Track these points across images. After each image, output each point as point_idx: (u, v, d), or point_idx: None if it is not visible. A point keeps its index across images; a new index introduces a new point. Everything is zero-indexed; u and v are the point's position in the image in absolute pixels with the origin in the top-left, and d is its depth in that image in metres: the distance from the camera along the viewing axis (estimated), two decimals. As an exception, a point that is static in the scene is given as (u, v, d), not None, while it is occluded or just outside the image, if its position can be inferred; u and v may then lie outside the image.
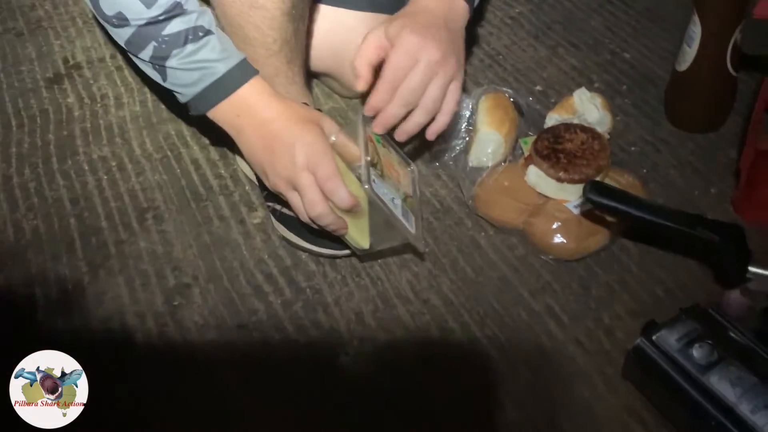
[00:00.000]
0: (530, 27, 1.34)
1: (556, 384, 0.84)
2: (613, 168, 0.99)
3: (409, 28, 0.86)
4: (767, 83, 0.86)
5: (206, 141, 1.16)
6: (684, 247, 0.94)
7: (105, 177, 1.12)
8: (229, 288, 0.96)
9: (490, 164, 1.04)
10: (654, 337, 0.78)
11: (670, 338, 0.78)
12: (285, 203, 0.95)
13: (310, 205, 0.83)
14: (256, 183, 1.05)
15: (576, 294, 0.92)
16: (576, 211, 0.94)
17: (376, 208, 0.86)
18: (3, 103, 1.25)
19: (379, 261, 0.97)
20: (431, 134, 0.91)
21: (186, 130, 1.19)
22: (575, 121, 1.01)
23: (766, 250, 0.87)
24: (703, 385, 0.74)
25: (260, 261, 0.99)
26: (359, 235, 0.89)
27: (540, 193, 0.97)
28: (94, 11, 0.81)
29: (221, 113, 0.84)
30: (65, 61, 1.34)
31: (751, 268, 0.79)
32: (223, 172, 1.11)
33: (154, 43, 0.80)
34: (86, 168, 1.13)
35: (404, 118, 0.89)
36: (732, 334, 0.78)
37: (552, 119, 1.04)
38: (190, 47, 0.79)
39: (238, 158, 1.09)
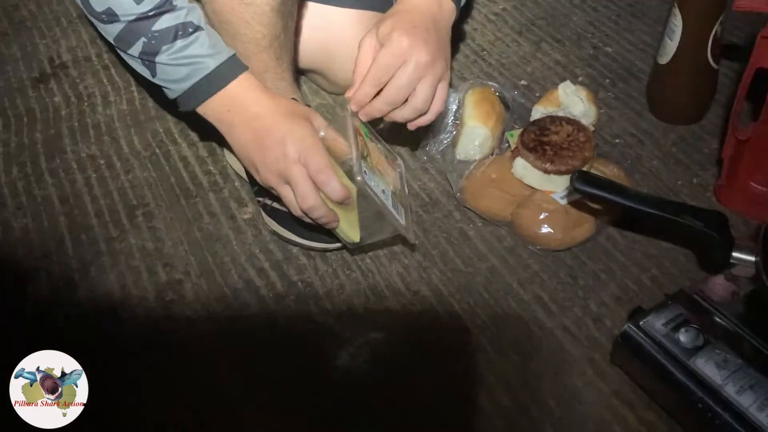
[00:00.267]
0: (514, 23, 1.36)
1: (546, 371, 0.85)
2: (598, 159, 1.01)
3: (398, 30, 0.87)
4: (747, 76, 0.88)
5: (194, 138, 1.17)
6: (668, 236, 0.96)
7: (94, 175, 1.12)
8: (221, 283, 0.97)
9: (477, 157, 1.05)
10: (641, 323, 0.80)
11: (656, 323, 0.79)
12: (276, 198, 0.96)
13: (303, 197, 0.83)
14: (246, 179, 1.05)
15: (564, 283, 0.94)
16: (563, 202, 0.96)
17: (367, 201, 0.87)
18: (-11, 103, 1.25)
19: (370, 254, 0.98)
20: (413, 126, 0.94)
21: (174, 128, 1.19)
22: (560, 114, 1.03)
23: (747, 237, 0.89)
24: (689, 368, 0.76)
25: (251, 256, 0.99)
26: (350, 229, 0.90)
27: (527, 185, 0.99)
28: (82, 7, 0.81)
29: (211, 109, 0.85)
30: (51, 60, 1.34)
31: (735, 254, 0.81)
32: (212, 168, 1.12)
33: (143, 39, 0.80)
34: (75, 166, 1.14)
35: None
36: (717, 319, 0.79)
37: (538, 112, 1.05)
38: (179, 43, 0.80)
39: (227, 154, 1.10)
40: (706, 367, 0.75)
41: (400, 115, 0.91)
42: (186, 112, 0.89)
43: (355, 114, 0.90)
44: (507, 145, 1.06)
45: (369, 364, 0.87)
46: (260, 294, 0.95)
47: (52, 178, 1.12)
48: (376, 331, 0.90)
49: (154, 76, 0.84)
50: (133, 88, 1.27)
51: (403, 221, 0.92)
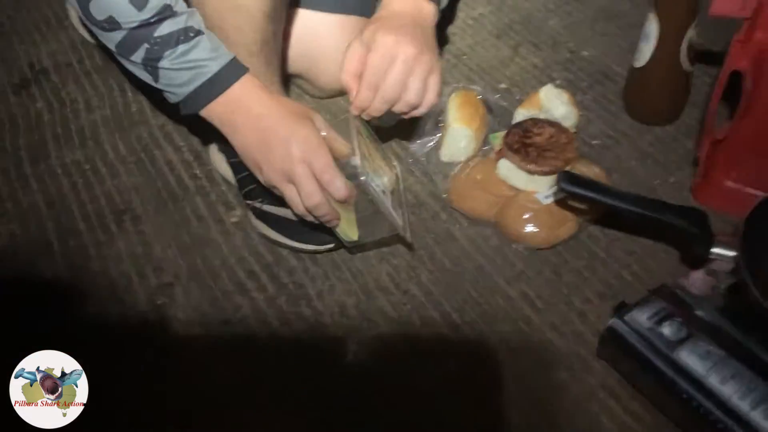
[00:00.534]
0: (492, 27, 1.38)
1: (534, 366, 0.88)
2: (580, 160, 1.03)
3: (382, 30, 0.91)
4: (722, 78, 0.91)
5: (179, 142, 1.18)
6: (648, 232, 0.99)
7: (80, 180, 1.12)
8: (211, 286, 0.97)
9: (461, 159, 1.07)
10: (626, 317, 0.82)
11: (641, 317, 0.82)
12: (267, 199, 0.97)
13: (308, 196, 0.85)
14: (233, 182, 1.06)
15: (549, 280, 0.96)
16: (546, 202, 0.98)
17: (366, 201, 0.89)
18: (-30, 110, 1.24)
19: (359, 255, 1.00)
20: (407, 116, 0.97)
21: (158, 132, 1.20)
22: (542, 117, 1.05)
23: (724, 233, 0.92)
24: (673, 360, 0.78)
25: (241, 258, 1.00)
26: (349, 227, 0.91)
27: (511, 186, 1.01)
28: (82, 16, 0.81)
29: (214, 111, 0.86)
30: (31, 66, 1.33)
31: (714, 249, 0.84)
32: (198, 172, 1.13)
33: (146, 45, 0.81)
34: (59, 172, 1.14)
35: None
36: (698, 312, 0.82)
37: (520, 114, 1.08)
38: (181, 47, 0.81)
39: (213, 158, 1.11)
40: (690, 358, 0.78)
41: (396, 110, 0.94)
42: (188, 115, 0.89)
43: (356, 116, 0.93)
44: (490, 146, 1.08)
45: (362, 362, 0.89)
46: (252, 296, 0.96)
47: (38, 184, 1.12)
48: (369, 331, 0.92)
49: (156, 81, 0.84)
50: (116, 93, 1.27)
51: (400, 221, 0.94)
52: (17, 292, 0.97)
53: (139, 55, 0.82)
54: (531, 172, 0.99)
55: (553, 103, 1.07)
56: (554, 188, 0.97)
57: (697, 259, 0.86)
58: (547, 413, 0.83)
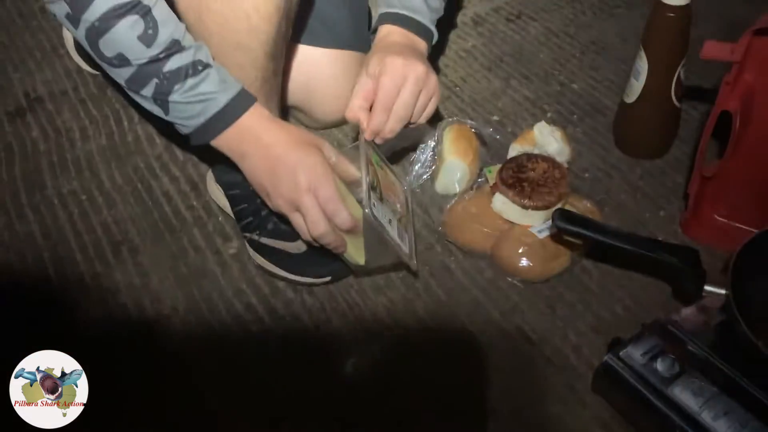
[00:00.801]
0: (483, 60, 1.41)
1: (529, 399, 0.89)
2: (572, 194, 1.05)
3: (390, 55, 0.95)
4: (711, 118, 0.94)
5: (176, 173, 1.18)
6: (639, 267, 1.01)
7: (76, 210, 1.13)
8: (209, 318, 0.98)
9: (456, 191, 1.09)
10: (621, 353, 0.84)
11: (635, 353, 0.84)
12: (264, 231, 0.99)
13: (314, 224, 0.87)
14: (230, 214, 1.07)
15: (543, 314, 0.98)
16: (540, 236, 1.00)
17: (372, 230, 0.91)
18: (-35, 138, 1.25)
19: (355, 287, 1.01)
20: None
21: (154, 162, 1.20)
22: (536, 152, 1.07)
23: (713, 269, 0.94)
24: (667, 396, 0.80)
25: (239, 291, 1.01)
26: (356, 252, 0.93)
27: (506, 219, 1.03)
28: (92, 53, 0.82)
29: (224, 141, 0.87)
30: (26, 94, 1.34)
31: (707, 287, 0.86)
32: (195, 203, 1.14)
33: (155, 80, 0.82)
34: (56, 202, 1.14)
35: None
36: (691, 348, 0.84)
37: (514, 150, 1.10)
38: (190, 81, 0.82)
39: (210, 189, 1.12)
40: (683, 394, 0.80)
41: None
42: (198, 145, 0.91)
43: (369, 143, 0.95)
44: (484, 180, 1.10)
45: (362, 393, 0.90)
46: (249, 328, 0.97)
47: (34, 214, 1.12)
48: (365, 362, 0.93)
49: (167, 114, 0.85)
50: (112, 122, 1.28)
51: (406, 249, 0.96)
52: (12, 323, 0.97)
53: (149, 90, 0.83)
54: (525, 207, 1.01)
55: (547, 140, 1.09)
56: (548, 223, 0.99)
57: (690, 295, 0.88)
58: (543, 447, 0.85)
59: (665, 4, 1.04)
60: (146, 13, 0.80)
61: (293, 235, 0.96)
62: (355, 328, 0.97)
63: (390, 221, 0.94)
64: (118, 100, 1.31)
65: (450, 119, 1.16)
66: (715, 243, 1.01)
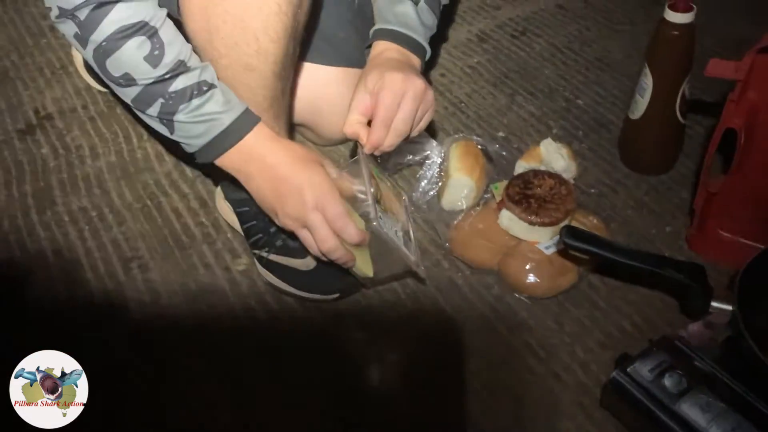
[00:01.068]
0: (489, 76, 1.42)
1: (538, 415, 0.89)
2: (579, 210, 1.06)
3: (389, 71, 0.96)
4: (716, 136, 0.95)
5: (185, 189, 1.19)
6: (647, 283, 1.01)
7: (86, 227, 1.14)
8: (217, 334, 0.99)
9: (463, 208, 1.10)
10: (629, 369, 0.84)
11: (643, 369, 0.84)
12: (273, 249, 1.00)
13: (322, 241, 0.88)
14: (239, 231, 1.08)
15: (551, 330, 0.98)
16: (547, 252, 1.01)
17: (379, 239, 0.92)
18: (-24, 156, 1.26)
19: (363, 303, 1.02)
20: None
21: (164, 180, 1.21)
22: (542, 169, 1.08)
23: (719, 284, 0.95)
24: (675, 412, 0.81)
25: (248, 307, 1.02)
26: (364, 265, 0.94)
27: (513, 236, 1.04)
28: (99, 72, 0.84)
29: (229, 161, 0.88)
30: (36, 111, 1.35)
31: (714, 303, 0.87)
32: (204, 220, 1.15)
33: (161, 100, 0.83)
34: (66, 219, 1.15)
35: None
36: (698, 364, 0.85)
37: (521, 167, 1.11)
38: (195, 101, 0.84)
39: (219, 206, 1.13)
40: (691, 411, 0.80)
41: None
42: (203, 164, 0.92)
43: (369, 157, 0.96)
44: (490, 195, 1.11)
45: (369, 410, 0.90)
46: (258, 346, 0.97)
47: (45, 231, 1.13)
48: (374, 379, 0.94)
49: (172, 133, 0.87)
50: (121, 139, 1.29)
51: (413, 257, 0.97)
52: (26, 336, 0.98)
53: (154, 109, 0.84)
54: (532, 223, 1.01)
55: (554, 157, 1.10)
56: (556, 239, 1.00)
57: (697, 312, 0.89)
58: (552, 463, 0.85)
59: (670, 22, 1.05)
60: (153, 34, 0.82)
61: (302, 252, 0.97)
62: (362, 343, 0.97)
63: (396, 232, 0.95)
64: (127, 117, 1.32)
65: (456, 135, 1.17)
66: (721, 258, 1.02)
